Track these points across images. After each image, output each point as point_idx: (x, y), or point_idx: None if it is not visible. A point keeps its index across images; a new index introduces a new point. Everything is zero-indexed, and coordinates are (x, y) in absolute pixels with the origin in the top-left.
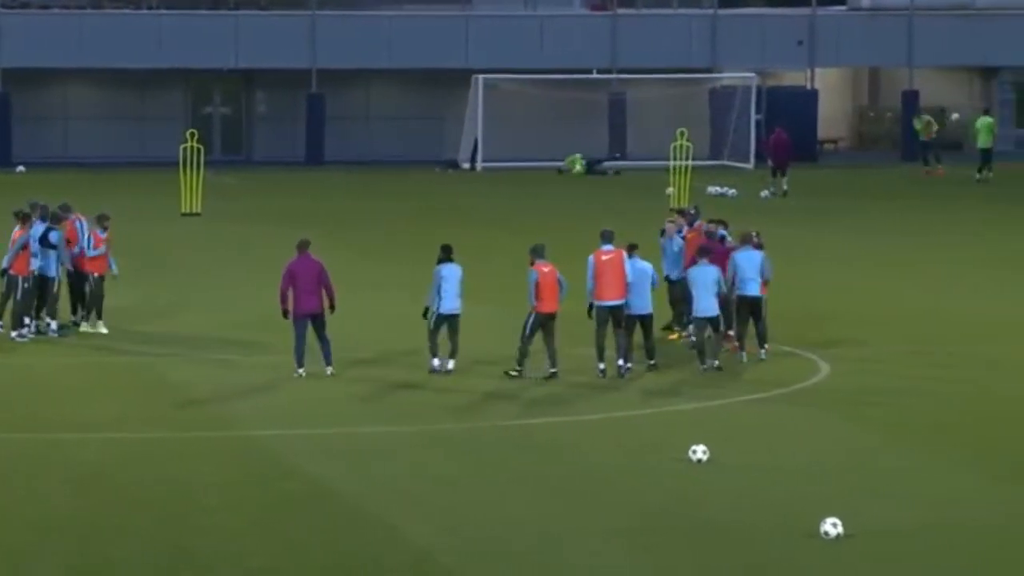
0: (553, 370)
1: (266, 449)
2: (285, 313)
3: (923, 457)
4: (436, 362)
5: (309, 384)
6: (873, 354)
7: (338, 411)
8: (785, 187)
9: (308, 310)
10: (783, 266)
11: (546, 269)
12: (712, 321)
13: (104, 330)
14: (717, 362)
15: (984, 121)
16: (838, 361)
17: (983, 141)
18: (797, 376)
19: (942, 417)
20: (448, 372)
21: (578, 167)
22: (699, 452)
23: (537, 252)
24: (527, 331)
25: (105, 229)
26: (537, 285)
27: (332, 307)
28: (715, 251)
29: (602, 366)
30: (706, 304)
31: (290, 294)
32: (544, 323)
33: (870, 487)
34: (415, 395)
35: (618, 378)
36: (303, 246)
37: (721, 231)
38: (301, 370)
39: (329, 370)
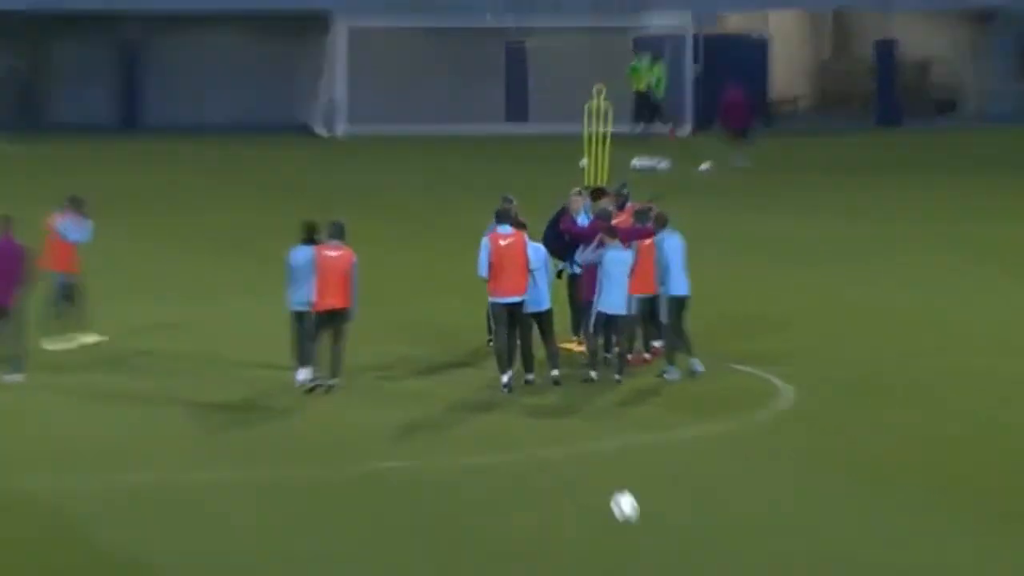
0: (331, 381)
1: (46, 503)
2: None
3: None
4: (300, 375)
5: (107, 411)
6: (833, 371)
7: (147, 449)
8: (745, 161)
9: None
10: (722, 260)
11: (333, 254)
12: (617, 321)
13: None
14: (618, 377)
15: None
16: (792, 379)
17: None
18: (748, 401)
19: (905, 453)
20: (322, 387)
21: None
22: (626, 508)
23: (331, 231)
24: (312, 330)
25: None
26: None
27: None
28: (622, 233)
29: (505, 379)
30: (615, 298)
31: None
32: (326, 322)
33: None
34: (263, 425)
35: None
36: (5, 223)
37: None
38: None
39: (17, 377)
